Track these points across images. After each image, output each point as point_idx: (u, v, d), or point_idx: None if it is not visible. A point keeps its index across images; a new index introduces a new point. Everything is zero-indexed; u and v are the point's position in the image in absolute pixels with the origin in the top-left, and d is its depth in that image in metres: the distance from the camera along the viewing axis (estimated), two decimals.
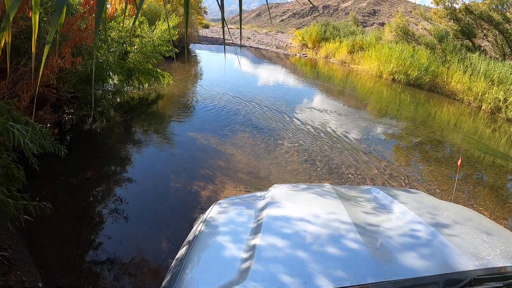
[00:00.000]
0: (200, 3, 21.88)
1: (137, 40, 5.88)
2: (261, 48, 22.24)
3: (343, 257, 0.92)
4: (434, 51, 13.03)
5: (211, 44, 22.14)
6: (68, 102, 4.16)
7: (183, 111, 6.23)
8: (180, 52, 14.93)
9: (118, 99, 5.88)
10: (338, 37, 20.05)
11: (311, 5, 75.95)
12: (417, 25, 17.34)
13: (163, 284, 1.01)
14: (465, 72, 10.83)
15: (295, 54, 20.02)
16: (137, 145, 4.52)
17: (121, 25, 5.22)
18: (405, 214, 1.20)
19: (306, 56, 19.45)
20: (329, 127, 6.02)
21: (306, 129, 5.72)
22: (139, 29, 6.07)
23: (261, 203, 1.31)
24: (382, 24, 46.33)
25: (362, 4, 70.13)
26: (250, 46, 22.59)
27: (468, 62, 11.11)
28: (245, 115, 6.09)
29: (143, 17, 6.86)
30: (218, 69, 12.23)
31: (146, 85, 6.79)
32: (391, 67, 12.59)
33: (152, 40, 6.02)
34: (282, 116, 6.28)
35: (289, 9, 76.34)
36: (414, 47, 13.68)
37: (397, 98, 10.14)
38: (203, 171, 3.84)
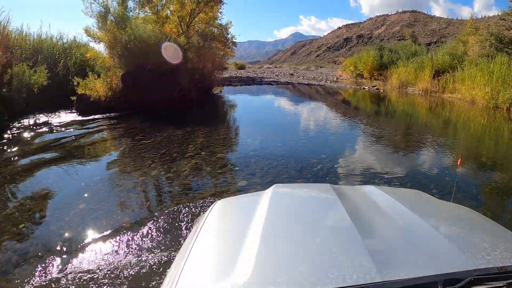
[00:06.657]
0: (227, 33, 14.95)
1: None
2: (313, 84, 20.26)
3: (342, 257, 0.88)
4: None
5: (247, 84, 19.34)
6: None
7: None
8: (201, 101, 10.52)
9: None
10: (399, 60, 17.44)
11: (344, 37, 75.80)
12: (509, 30, 14.46)
13: (162, 285, 0.96)
14: None
15: (362, 88, 16.93)
16: None
17: None
18: (405, 214, 1.17)
19: (377, 89, 16.38)
20: None
21: None
22: None
23: (261, 203, 1.28)
24: (423, 44, 43.35)
25: (396, 27, 68.49)
26: (299, 83, 20.68)
27: None
28: None
29: None
30: (255, 131, 7.23)
31: None
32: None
33: None
34: None
35: (323, 44, 76.68)
36: None
37: None
38: None
